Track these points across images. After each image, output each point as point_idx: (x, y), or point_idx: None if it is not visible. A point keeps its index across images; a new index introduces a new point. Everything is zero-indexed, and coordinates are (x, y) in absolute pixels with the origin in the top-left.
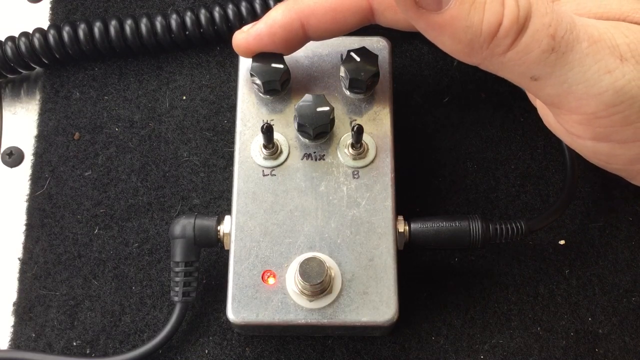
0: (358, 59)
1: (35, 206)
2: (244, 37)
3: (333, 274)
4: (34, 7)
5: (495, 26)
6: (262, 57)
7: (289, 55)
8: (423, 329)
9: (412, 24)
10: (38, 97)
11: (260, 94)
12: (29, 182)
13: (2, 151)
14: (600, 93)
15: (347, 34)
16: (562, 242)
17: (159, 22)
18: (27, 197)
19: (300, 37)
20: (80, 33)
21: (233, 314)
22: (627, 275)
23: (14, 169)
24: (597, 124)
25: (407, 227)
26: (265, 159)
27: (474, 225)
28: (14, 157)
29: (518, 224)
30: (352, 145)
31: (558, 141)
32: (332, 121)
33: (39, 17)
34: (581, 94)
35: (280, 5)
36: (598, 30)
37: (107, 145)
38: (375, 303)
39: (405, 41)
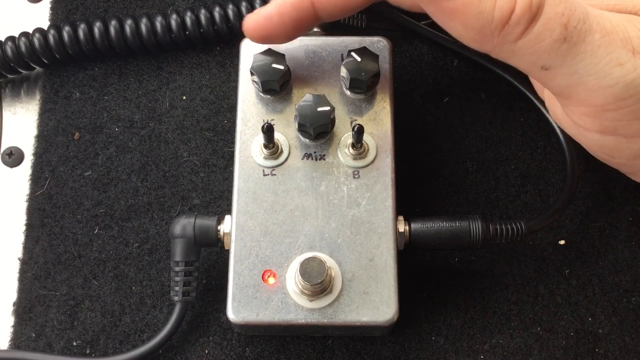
0: (359, 59)
1: (35, 206)
2: (253, 19)
3: (333, 274)
4: (34, 7)
5: (507, 13)
6: (263, 56)
7: (290, 55)
8: (423, 329)
9: (417, 4)
10: (38, 97)
11: (261, 94)
12: (29, 182)
13: (2, 151)
14: (610, 85)
15: (348, 34)
16: (562, 242)
17: (159, 22)
18: (27, 197)
19: (310, 16)
20: (80, 33)
21: (233, 313)
22: (627, 275)
23: (14, 169)
24: (605, 117)
25: (407, 227)
26: (265, 158)
27: (474, 226)
28: (14, 157)
29: (518, 224)
30: (353, 145)
31: (558, 141)
32: (333, 121)
33: (39, 17)
34: (591, 86)
35: None
36: (611, 23)
37: (107, 145)
38: (376, 303)
39: (405, 41)
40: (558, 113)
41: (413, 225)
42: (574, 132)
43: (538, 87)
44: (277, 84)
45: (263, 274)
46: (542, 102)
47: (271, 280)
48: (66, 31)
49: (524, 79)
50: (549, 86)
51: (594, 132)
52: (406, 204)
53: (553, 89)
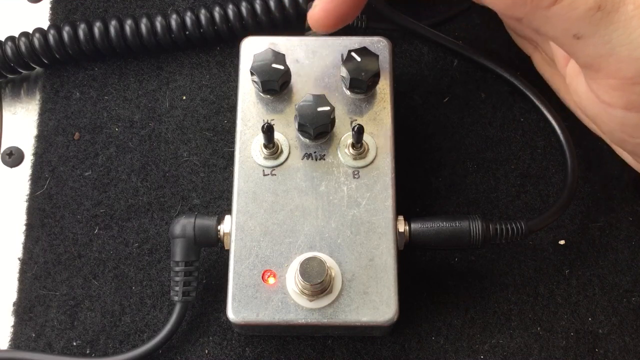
0: (359, 59)
1: (35, 206)
2: (319, 7)
3: (333, 274)
4: (34, 7)
5: None
6: (263, 56)
7: (290, 55)
8: (423, 329)
9: None
10: (38, 97)
11: (261, 94)
12: (29, 182)
13: (2, 151)
14: None
15: (349, 34)
16: (562, 242)
17: (159, 22)
18: (27, 197)
19: None
20: (80, 33)
21: (233, 313)
22: (627, 275)
23: (14, 169)
24: (632, 91)
25: (407, 227)
26: (265, 158)
27: (474, 226)
28: (14, 157)
29: (518, 225)
30: (353, 145)
31: (558, 141)
32: (333, 121)
33: (39, 17)
34: (623, 57)
35: None
36: None
37: (107, 145)
38: (375, 303)
39: (405, 41)
40: (580, 91)
41: (413, 225)
42: (596, 110)
43: (560, 61)
44: (277, 84)
45: (263, 274)
46: (542, 102)
47: (271, 280)
48: (66, 31)
49: (523, 79)
50: (578, 56)
51: (619, 107)
52: (406, 204)
53: (583, 59)
